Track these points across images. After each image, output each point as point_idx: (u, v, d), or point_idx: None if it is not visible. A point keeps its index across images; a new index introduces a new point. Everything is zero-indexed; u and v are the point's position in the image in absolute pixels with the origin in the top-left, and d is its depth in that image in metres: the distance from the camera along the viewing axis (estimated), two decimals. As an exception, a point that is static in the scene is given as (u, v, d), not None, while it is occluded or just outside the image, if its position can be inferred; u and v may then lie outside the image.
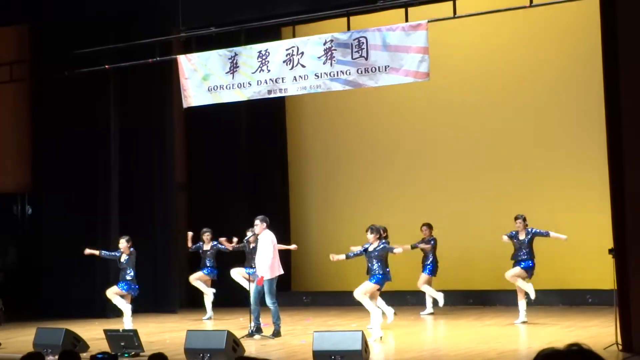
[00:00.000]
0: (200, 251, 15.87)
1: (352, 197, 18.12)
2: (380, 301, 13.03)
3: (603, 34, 10.73)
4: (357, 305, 13.16)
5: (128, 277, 14.01)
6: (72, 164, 17.05)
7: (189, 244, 15.82)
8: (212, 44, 14.51)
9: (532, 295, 13.72)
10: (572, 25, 16.00)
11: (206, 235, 15.78)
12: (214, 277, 15.85)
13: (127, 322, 13.94)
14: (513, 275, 13.73)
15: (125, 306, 14.17)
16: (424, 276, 15.37)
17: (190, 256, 16.54)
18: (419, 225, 15.59)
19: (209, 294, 15.79)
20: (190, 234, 15.88)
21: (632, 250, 10.21)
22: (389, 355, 11.46)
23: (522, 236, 13.75)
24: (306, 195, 18.73)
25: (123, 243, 14.10)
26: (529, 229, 13.77)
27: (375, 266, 12.37)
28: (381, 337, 12.21)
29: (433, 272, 15.42)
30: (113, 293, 14.29)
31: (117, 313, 15.77)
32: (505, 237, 13.89)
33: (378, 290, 12.58)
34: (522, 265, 13.72)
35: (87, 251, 14.44)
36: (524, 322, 13.57)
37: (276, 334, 12.96)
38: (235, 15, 15.08)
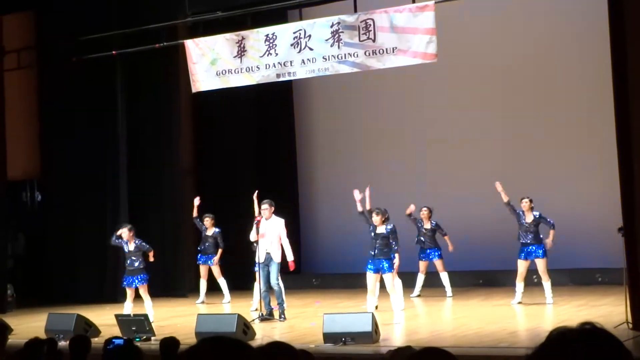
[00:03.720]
0: (202, 235, 15.91)
1: (361, 179, 18.04)
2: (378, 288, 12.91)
3: (610, 12, 10.71)
4: (366, 287, 13.18)
5: (142, 266, 13.65)
6: (80, 150, 17.05)
7: (195, 213, 15.58)
8: (218, 29, 14.50)
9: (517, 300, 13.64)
10: (583, 3, 15.92)
11: (207, 221, 15.69)
12: (215, 264, 15.87)
13: (149, 308, 13.58)
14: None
15: (146, 296, 13.86)
16: (439, 262, 15.21)
17: (199, 240, 16.48)
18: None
19: (200, 298, 16.03)
20: (197, 202, 15.48)
21: (642, 229, 10.21)
22: (399, 337, 11.49)
23: (528, 219, 13.45)
24: (314, 178, 18.72)
25: (125, 232, 13.46)
26: (536, 213, 13.47)
27: (385, 250, 12.41)
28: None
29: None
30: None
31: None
32: (500, 188, 13.50)
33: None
34: (540, 255, 13.36)
35: None
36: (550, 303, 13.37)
37: (282, 313, 13.04)
38: (241, -2, 15.06)
